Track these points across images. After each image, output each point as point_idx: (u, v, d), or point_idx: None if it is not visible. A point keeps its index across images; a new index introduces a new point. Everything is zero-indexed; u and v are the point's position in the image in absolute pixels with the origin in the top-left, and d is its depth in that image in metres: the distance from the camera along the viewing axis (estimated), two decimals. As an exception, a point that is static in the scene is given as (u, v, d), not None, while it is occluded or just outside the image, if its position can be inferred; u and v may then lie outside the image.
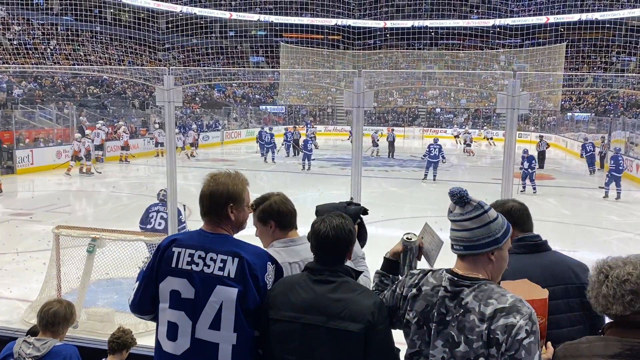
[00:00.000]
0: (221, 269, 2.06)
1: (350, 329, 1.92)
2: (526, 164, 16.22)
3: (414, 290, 1.89)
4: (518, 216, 2.40)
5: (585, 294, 1.93)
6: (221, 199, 2.15)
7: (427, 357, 1.81)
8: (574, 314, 2.24)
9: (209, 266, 2.07)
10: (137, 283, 2.23)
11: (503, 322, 1.65)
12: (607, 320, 1.72)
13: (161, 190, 7.70)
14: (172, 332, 2.09)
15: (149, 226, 7.32)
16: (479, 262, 1.81)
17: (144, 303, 2.19)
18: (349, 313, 1.93)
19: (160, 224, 7.19)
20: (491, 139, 35.97)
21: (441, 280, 1.83)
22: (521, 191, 15.20)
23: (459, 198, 1.81)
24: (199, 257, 2.09)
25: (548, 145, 23.45)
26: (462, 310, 1.74)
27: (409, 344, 1.88)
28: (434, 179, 18.40)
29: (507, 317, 1.66)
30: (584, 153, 22.27)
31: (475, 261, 1.81)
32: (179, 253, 2.11)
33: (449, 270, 1.85)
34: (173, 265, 2.11)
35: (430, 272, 1.91)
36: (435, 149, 18.69)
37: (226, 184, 2.16)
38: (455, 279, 1.80)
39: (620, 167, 14.98)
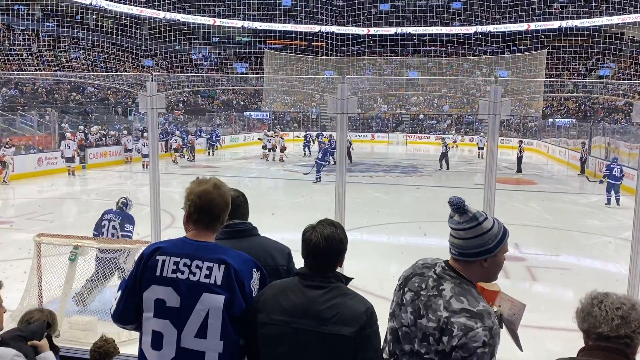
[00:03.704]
0: (207, 276, 2.04)
1: (342, 332, 1.93)
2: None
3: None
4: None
5: (280, 274, 2.34)
6: (226, 204, 2.18)
7: (397, 317, 1.99)
8: None
9: (194, 274, 2.05)
10: (119, 293, 2.18)
11: (464, 321, 1.77)
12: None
13: (121, 198, 7.30)
14: (157, 341, 2.06)
15: (101, 234, 6.84)
16: (471, 266, 1.94)
17: (127, 313, 2.15)
18: (340, 317, 1.94)
19: (113, 234, 6.79)
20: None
21: (435, 264, 2.00)
22: None
23: (457, 208, 1.93)
24: (184, 264, 2.07)
25: (522, 150, 23.80)
26: (436, 292, 1.89)
27: (391, 304, 2.06)
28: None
29: (469, 319, 1.77)
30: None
31: (467, 265, 1.94)
32: (164, 261, 2.08)
33: (446, 261, 2.00)
34: (157, 273, 2.08)
35: (431, 258, 2.07)
36: None
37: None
38: (446, 268, 1.95)
39: (616, 175, 14.59)
